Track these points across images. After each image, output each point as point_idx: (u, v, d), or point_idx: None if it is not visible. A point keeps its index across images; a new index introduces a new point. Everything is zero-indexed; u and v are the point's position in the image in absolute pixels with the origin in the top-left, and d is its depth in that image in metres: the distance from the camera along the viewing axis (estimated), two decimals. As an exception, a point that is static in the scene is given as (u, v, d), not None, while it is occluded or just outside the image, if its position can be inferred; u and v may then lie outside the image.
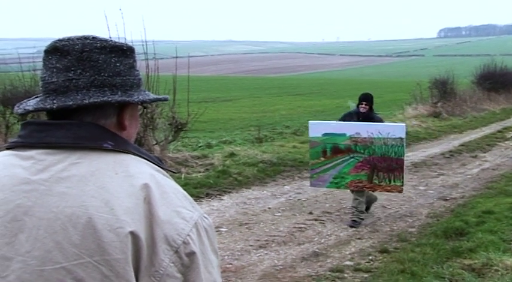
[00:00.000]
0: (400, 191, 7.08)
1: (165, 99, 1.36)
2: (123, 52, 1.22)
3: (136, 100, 1.22)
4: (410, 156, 12.18)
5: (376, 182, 6.91)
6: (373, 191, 7.15)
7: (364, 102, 7.19)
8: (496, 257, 5.27)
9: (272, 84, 44.86)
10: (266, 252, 5.97)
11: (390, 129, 6.91)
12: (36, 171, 1.13)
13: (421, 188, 9.18)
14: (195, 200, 1.21)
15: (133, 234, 1.06)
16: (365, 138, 6.87)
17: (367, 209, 7.35)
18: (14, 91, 9.82)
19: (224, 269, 5.31)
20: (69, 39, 1.19)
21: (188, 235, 1.12)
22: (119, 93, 1.20)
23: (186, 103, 10.07)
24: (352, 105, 7.76)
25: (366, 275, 5.30)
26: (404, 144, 6.91)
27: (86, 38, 1.20)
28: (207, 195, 8.38)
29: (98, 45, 1.19)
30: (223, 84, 43.64)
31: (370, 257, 5.80)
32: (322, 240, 6.39)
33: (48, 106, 1.16)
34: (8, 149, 1.20)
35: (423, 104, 19.57)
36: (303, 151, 10.90)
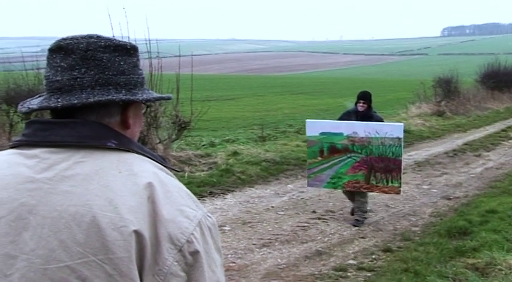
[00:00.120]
0: (398, 193, 6.99)
1: (169, 98, 1.37)
2: (127, 51, 1.23)
3: (140, 99, 1.22)
4: (414, 155, 12.16)
5: (374, 182, 6.84)
6: (371, 192, 7.07)
7: (362, 101, 7.06)
8: (500, 256, 5.26)
9: (275, 83, 44.85)
10: (269, 251, 5.97)
11: (388, 128, 6.81)
12: (40, 169, 1.13)
13: (425, 187, 9.17)
14: (199, 199, 1.21)
15: (137, 233, 1.06)
16: (362, 137, 6.81)
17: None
18: (18, 90, 9.84)
19: (227, 267, 5.31)
20: (73, 38, 1.20)
21: (192, 234, 1.12)
22: (123, 91, 1.20)
23: (190, 102, 10.08)
24: (350, 104, 7.72)
25: (369, 274, 5.29)
26: (402, 144, 6.82)
27: (90, 36, 1.20)
28: (210, 193, 8.39)
29: (102, 44, 1.19)
30: (226, 83, 43.66)
31: (374, 256, 5.80)
32: (326, 239, 6.39)
33: (52, 105, 1.16)
34: (12, 147, 1.20)
35: (427, 102, 19.53)
36: (306, 150, 10.88)
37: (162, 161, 1.24)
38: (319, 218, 7.21)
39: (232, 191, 8.65)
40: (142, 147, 1.24)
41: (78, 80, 1.17)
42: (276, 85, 40.74)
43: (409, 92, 21.83)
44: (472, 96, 22.34)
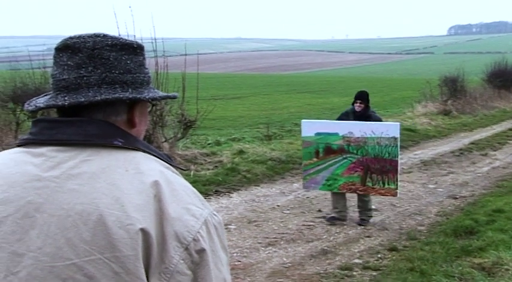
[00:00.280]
0: (394, 195, 6.89)
1: (174, 97, 1.37)
2: (133, 50, 1.23)
3: (146, 97, 1.22)
4: (420, 154, 12.14)
5: (370, 184, 6.75)
6: (367, 194, 6.93)
7: (359, 101, 6.96)
8: (507, 256, 5.23)
9: (281, 81, 44.83)
10: (275, 249, 5.97)
11: (384, 128, 6.71)
12: (47, 168, 1.13)
13: (431, 186, 9.15)
14: (204, 198, 1.22)
15: (143, 231, 1.07)
16: (358, 137, 6.72)
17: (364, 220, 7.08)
18: (25, 88, 9.88)
19: (233, 266, 5.32)
20: (80, 36, 1.20)
21: (198, 232, 1.12)
22: (130, 90, 1.20)
23: (195, 100, 10.09)
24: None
25: (374, 273, 5.29)
26: (398, 144, 6.70)
27: (96, 35, 1.20)
28: (216, 192, 8.40)
29: (109, 42, 1.20)
30: (232, 81, 43.67)
31: (379, 255, 5.79)
32: (331, 238, 6.39)
33: (60, 103, 1.17)
34: (19, 146, 1.21)
35: (433, 101, 19.48)
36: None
37: (168, 159, 1.24)
38: (324, 217, 7.20)
39: (238, 189, 8.66)
40: (149, 145, 1.24)
41: (85, 78, 1.17)
42: (281, 84, 40.72)
43: (415, 90, 21.78)
44: (479, 95, 22.25)
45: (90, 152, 1.14)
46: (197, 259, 1.11)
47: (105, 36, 1.21)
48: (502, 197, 8.03)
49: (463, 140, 14.31)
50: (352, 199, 7.42)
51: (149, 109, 1.32)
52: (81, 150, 1.15)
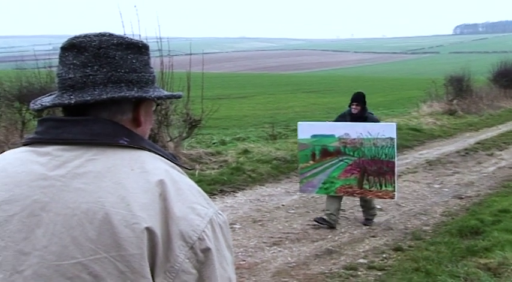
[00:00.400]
0: (392, 197, 6.77)
1: (179, 96, 1.38)
2: (138, 49, 1.24)
3: (152, 96, 1.23)
4: (425, 154, 12.11)
5: (367, 187, 6.65)
6: (364, 197, 6.83)
7: (355, 103, 6.88)
8: (512, 256, 5.21)
9: (286, 81, 44.82)
10: (279, 249, 5.97)
11: (380, 129, 6.63)
12: (53, 167, 1.13)
13: (436, 186, 9.12)
14: (209, 197, 1.22)
15: (149, 230, 1.07)
16: (354, 139, 6.64)
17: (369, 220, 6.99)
18: (30, 88, 9.91)
19: (238, 265, 5.32)
20: (85, 36, 1.20)
21: (203, 231, 1.12)
22: (135, 89, 1.21)
23: (200, 100, 10.09)
24: None
25: (379, 273, 5.27)
26: (395, 145, 6.61)
27: (102, 34, 1.21)
28: (221, 192, 8.40)
29: (115, 41, 1.20)
30: (237, 81, 43.69)
31: (384, 255, 5.77)
32: (336, 238, 6.38)
33: (66, 101, 1.17)
34: (25, 145, 1.21)
35: (438, 101, 19.44)
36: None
37: (173, 159, 1.24)
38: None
39: (243, 189, 8.66)
40: (154, 144, 1.25)
41: (91, 77, 1.17)
42: (287, 83, 40.72)
43: (420, 90, 21.73)
44: (485, 94, 22.18)
45: (95, 151, 1.15)
46: (202, 258, 1.11)
47: (110, 35, 1.21)
48: (507, 197, 8.00)
49: (469, 139, 14.26)
50: (357, 198, 7.40)
51: (153, 108, 1.33)
52: (87, 149, 1.15)
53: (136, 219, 1.07)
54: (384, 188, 6.60)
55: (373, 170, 6.61)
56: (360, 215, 7.15)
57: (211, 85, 24.44)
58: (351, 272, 5.31)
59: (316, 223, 6.69)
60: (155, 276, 1.08)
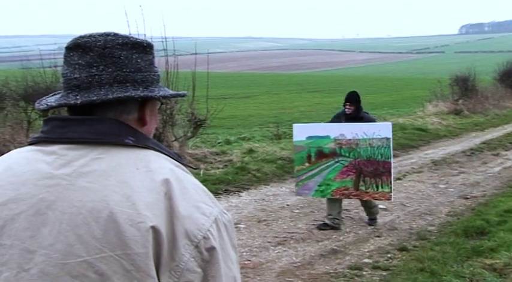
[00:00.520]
0: (389, 199, 6.69)
1: (184, 95, 1.39)
2: (143, 48, 1.24)
3: (157, 95, 1.23)
4: (431, 153, 12.08)
5: (363, 188, 6.56)
6: (360, 199, 6.76)
7: (348, 103, 6.78)
8: (518, 257, 5.19)
9: (291, 81, 44.81)
10: (284, 249, 5.97)
11: (375, 128, 6.54)
12: (58, 166, 1.14)
13: (441, 186, 9.10)
14: (214, 196, 1.22)
15: (154, 229, 1.07)
16: (349, 140, 6.56)
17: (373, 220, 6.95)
18: (36, 87, 9.95)
19: (242, 265, 5.32)
20: (90, 35, 1.21)
21: (208, 230, 1.12)
22: (141, 88, 1.21)
23: (205, 99, 10.10)
24: None
25: (384, 273, 5.26)
26: (391, 145, 6.53)
27: (107, 34, 1.21)
28: (226, 191, 8.41)
29: (120, 41, 1.20)
30: (242, 80, 43.70)
31: (389, 255, 5.76)
32: (341, 238, 6.37)
33: (72, 101, 1.17)
34: (30, 144, 1.22)
35: (444, 101, 19.39)
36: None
37: (178, 158, 1.25)
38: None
39: (248, 188, 8.67)
40: (159, 144, 1.25)
41: (97, 77, 1.18)
42: (291, 83, 40.71)
43: (426, 90, 21.68)
44: (490, 94, 22.10)
45: (101, 150, 1.15)
46: (207, 257, 1.11)
47: (115, 35, 1.21)
48: (513, 197, 7.96)
49: (474, 139, 14.21)
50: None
51: (158, 107, 1.33)
52: (92, 148, 1.15)
53: (141, 218, 1.07)
54: (380, 189, 6.51)
55: (369, 171, 6.53)
56: (364, 215, 7.14)
57: (216, 85, 24.47)
58: (355, 272, 5.30)
59: (320, 229, 6.63)
60: (160, 275, 1.08)
